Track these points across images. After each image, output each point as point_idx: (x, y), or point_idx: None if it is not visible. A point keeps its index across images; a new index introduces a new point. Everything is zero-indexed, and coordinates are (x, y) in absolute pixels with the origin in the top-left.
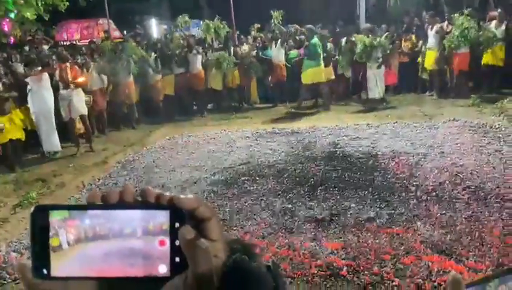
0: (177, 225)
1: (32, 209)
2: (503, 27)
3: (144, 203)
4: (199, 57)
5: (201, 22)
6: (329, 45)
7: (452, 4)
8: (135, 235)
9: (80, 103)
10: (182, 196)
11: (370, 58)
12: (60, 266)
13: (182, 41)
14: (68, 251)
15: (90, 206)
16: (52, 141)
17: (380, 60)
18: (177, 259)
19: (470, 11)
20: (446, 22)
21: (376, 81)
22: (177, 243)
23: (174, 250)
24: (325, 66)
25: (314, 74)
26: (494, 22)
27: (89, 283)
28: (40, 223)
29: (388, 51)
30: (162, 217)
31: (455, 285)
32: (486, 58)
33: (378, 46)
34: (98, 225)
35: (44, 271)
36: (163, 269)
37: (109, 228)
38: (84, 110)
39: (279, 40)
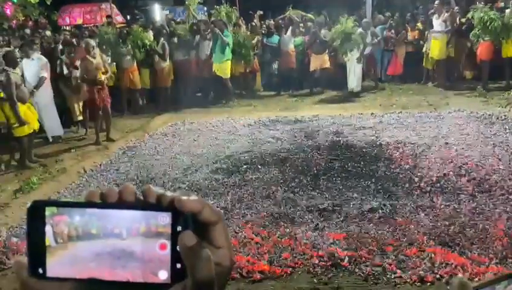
0: (179, 228)
1: (28, 204)
2: None
3: (144, 203)
4: (209, 43)
5: (205, 8)
6: (324, 31)
7: None
8: (134, 237)
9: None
10: (184, 197)
11: (346, 49)
12: (55, 266)
13: (194, 26)
14: (64, 250)
15: (88, 204)
16: (56, 125)
17: (358, 54)
18: (179, 265)
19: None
20: (452, 10)
21: (353, 74)
22: (178, 248)
23: (176, 255)
24: (320, 53)
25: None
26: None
27: (84, 285)
28: (36, 219)
29: (361, 45)
30: (163, 220)
31: (463, 289)
32: (506, 50)
33: (354, 37)
34: (95, 224)
35: (40, 270)
36: (163, 275)
37: (107, 228)
38: None
39: (291, 27)
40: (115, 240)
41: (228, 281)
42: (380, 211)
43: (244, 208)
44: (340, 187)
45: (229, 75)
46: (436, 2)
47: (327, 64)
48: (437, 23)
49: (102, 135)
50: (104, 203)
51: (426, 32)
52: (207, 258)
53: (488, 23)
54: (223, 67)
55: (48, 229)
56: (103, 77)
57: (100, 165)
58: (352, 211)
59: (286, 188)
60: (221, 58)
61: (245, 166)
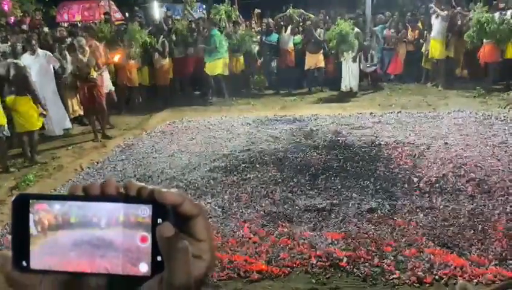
0: (159, 221)
1: (13, 197)
2: None
3: (126, 196)
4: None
5: (204, 6)
6: (319, 30)
7: None
8: (113, 228)
9: (108, 79)
10: (164, 190)
11: (343, 48)
12: (37, 257)
13: (194, 25)
14: (44, 239)
15: (70, 197)
16: (64, 118)
17: (354, 53)
18: (159, 258)
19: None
20: (453, 10)
21: (349, 75)
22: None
23: (157, 248)
24: (315, 52)
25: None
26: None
27: (64, 277)
28: (21, 212)
29: (356, 47)
30: (143, 212)
31: None
32: (510, 52)
33: (352, 37)
34: (74, 214)
35: (24, 263)
36: (144, 268)
37: (86, 218)
38: (111, 86)
39: (290, 26)
40: (94, 229)
41: (218, 279)
42: (379, 211)
43: (242, 207)
44: (339, 187)
45: (215, 73)
46: (434, 2)
47: (322, 64)
48: (436, 22)
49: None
50: (86, 196)
51: (425, 32)
52: (184, 249)
53: (485, 25)
54: (214, 66)
55: (31, 220)
56: (95, 74)
57: (97, 162)
58: (350, 211)
59: (284, 188)
60: (212, 57)
61: (243, 165)
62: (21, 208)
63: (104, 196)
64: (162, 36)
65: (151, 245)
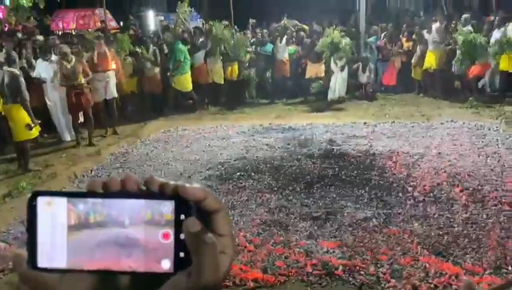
0: (182, 216)
1: (29, 195)
2: None
3: (147, 192)
4: (202, 51)
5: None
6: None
7: (453, 4)
8: (137, 226)
9: (114, 85)
10: (187, 185)
11: (335, 58)
12: (57, 257)
13: (185, 34)
14: (67, 239)
15: (90, 193)
16: (69, 127)
17: (343, 62)
18: (182, 254)
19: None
20: (444, 24)
21: (338, 83)
22: (182, 236)
23: (179, 244)
24: (317, 62)
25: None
26: (510, 25)
27: (86, 275)
28: (34, 210)
29: (345, 57)
30: (166, 208)
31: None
32: (504, 65)
33: (341, 47)
34: (97, 214)
35: (39, 262)
36: (166, 265)
37: (109, 217)
38: (116, 93)
39: (285, 36)
40: (118, 228)
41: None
42: (374, 220)
43: (237, 216)
44: (334, 195)
45: (189, 88)
46: (435, 16)
47: (322, 74)
48: (433, 33)
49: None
50: (106, 192)
51: (416, 44)
52: (212, 243)
53: (472, 48)
54: (181, 81)
55: (49, 218)
56: (83, 80)
57: (91, 170)
58: (346, 219)
59: (280, 196)
60: (178, 72)
61: (238, 173)
62: (35, 206)
63: (125, 193)
64: (151, 45)
65: (174, 241)
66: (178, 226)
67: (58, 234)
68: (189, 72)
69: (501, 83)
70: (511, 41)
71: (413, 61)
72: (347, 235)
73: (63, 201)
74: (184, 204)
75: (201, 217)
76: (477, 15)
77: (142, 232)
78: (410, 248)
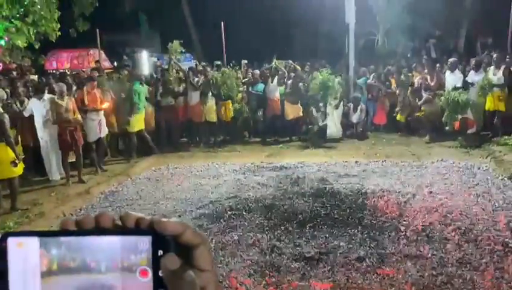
0: (160, 252)
1: None
2: (501, 73)
3: (123, 228)
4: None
5: (192, 56)
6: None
7: (439, 47)
8: (113, 271)
9: (104, 123)
10: (164, 220)
11: (327, 99)
12: None
13: (181, 73)
14: (43, 285)
15: (63, 232)
16: (60, 166)
17: (337, 101)
18: None
19: (458, 66)
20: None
21: (334, 122)
22: (160, 273)
23: (158, 281)
24: (295, 103)
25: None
26: (491, 69)
27: None
28: (7, 253)
29: (338, 94)
30: (143, 244)
31: None
32: (488, 104)
33: (332, 85)
34: (72, 257)
35: None
36: None
37: (83, 262)
38: (107, 131)
39: (277, 76)
40: (94, 274)
41: None
42: (367, 260)
43: (228, 256)
44: (327, 235)
45: (137, 130)
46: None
47: (301, 113)
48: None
49: (88, 177)
50: (80, 230)
51: (399, 89)
52: (191, 281)
53: (457, 105)
54: (134, 121)
55: (21, 263)
56: (79, 116)
57: (80, 209)
58: (339, 259)
59: (272, 236)
60: (133, 113)
61: (229, 212)
62: (6, 248)
63: (100, 230)
64: (146, 85)
65: (152, 279)
66: (156, 262)
67: (30, 280)
68: (143, 113)
69: (487, 122)
70: (491, 83)
71: (398, 107)
72: (340, 275)
73: (35, 242)
74: (162, 239)
75: (180, 252)
76: (464, 58)
77: (118, 277)
78: (404, 289)
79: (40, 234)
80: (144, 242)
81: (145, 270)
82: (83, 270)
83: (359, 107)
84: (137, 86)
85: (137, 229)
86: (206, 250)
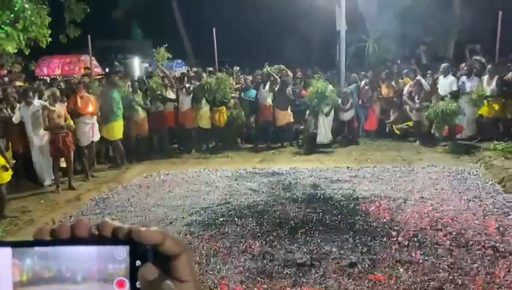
0: (138, 262)
1: None
2: (494, 84)
3: (100, 238)
4: (189, 96)
5: (183, 62)
6: (289, 89)
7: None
8: (89, 281)
9: (97, 128)
10: (142, 229)
11: (322, 107)
12: None
13: (166, 79)
14: None
15: (37, 242)
16: (51, 172)
17: (329, 108)
18: None
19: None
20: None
21: (324, 128)
22: (138, 284)
23: None
24: (285, 110)
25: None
26: (485, 78)
27: None
28: None
29: (331, 104)
30: (120, 254)
31: None
32: (483, 110)
33: (329, 94)
34: (47, 267)
35: None
36: None
37: (58, 267)
38: (98, 136)
39: (269, 82)
40: (69, 285)
41: None
42: (359, 265)
43: (220, 263)
44: (319, 241)
45: (117, 138)
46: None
47: (292, 119)
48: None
49: (78, 184)
50: (55, 240)
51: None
52: None
53: (448, 116)
54: (111, 129)
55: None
56: (72, 122)
57: (70, 216)
58: (331, 265)
59: (263, 242)
60: (109, 119)
61: (221, 219)
62: None
63: (75, 239)
64: (139, 90)
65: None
66: (134, 272)
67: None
68: (119, 121)
69: (478, 128)
70: (485, 94)
71: (391, 118)
72: (332, 281)
73: (7, 252)
74: (140, 249)
75: (160, 262)
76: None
77: (95, 287)
78: None
79: (13, 244)
80: (122, 252)
81: (122, 281)
82: (57, 281)
83: (350, 103)
84: (115, 94)
85: (114, 238)
86: (186, 260)
